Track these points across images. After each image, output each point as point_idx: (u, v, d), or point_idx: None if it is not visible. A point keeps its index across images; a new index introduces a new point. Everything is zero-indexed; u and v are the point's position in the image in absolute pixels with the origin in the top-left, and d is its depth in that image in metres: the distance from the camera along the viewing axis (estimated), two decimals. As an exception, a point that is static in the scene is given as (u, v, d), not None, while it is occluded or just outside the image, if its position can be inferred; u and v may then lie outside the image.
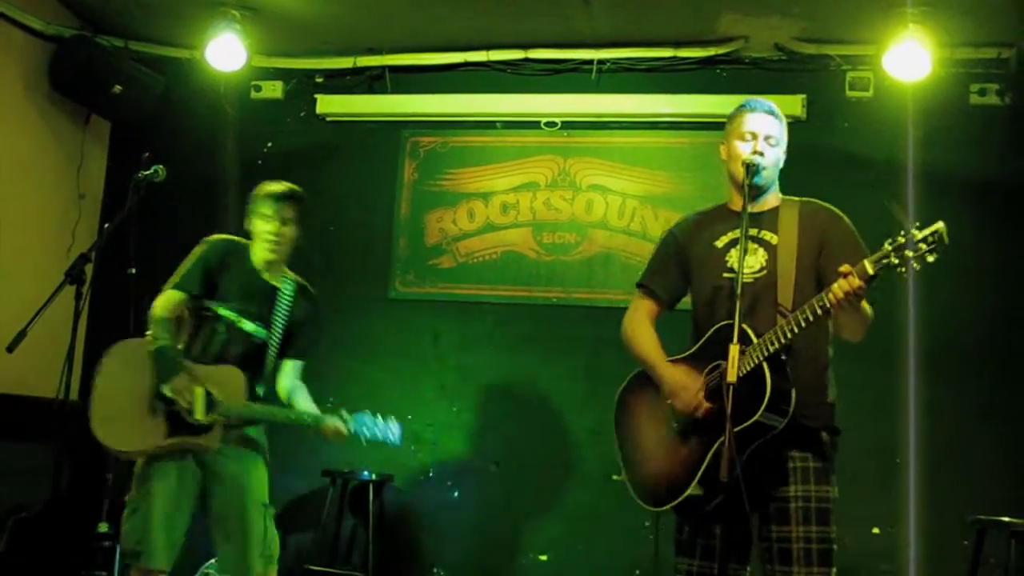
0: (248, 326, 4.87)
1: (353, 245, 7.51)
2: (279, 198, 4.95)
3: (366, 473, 6.68)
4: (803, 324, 3.62)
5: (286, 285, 5.01)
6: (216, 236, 5.01)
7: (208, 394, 4.68)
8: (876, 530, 6.39)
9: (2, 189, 7.01)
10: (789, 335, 3.63)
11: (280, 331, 4.93)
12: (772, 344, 3.65)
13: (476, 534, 6.98)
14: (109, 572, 6.47)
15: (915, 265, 3.43)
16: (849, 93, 6.87)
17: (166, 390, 4.63)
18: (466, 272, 7.32)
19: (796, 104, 6.73)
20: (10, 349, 4.33)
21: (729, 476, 3.42)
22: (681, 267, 4.17)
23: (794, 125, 4.21)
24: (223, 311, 4.84)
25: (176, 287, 4.82)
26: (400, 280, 7.39)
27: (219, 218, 6.81)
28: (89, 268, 4.46)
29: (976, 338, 6.45)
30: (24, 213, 7.25)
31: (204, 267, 4.87)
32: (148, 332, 4.73)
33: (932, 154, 6.60)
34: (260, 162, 7.64)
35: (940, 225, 3.41)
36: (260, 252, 4.97)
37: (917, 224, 3.44)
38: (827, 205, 4.06)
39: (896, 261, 3.45)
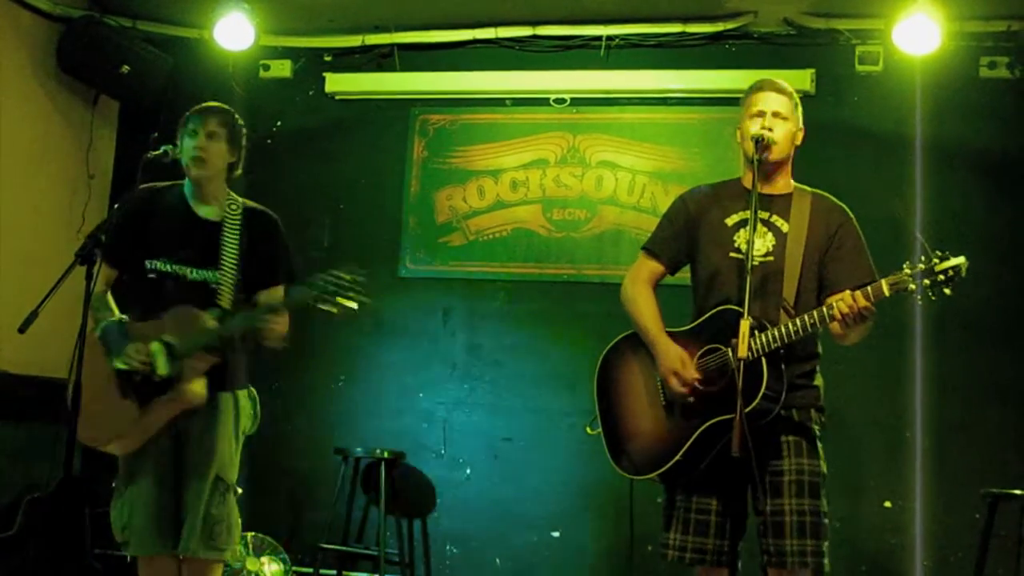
0: (196, 274, 4.39)
1: (363, 223, 7.52)
2: (202, 111, 4.64)
3: (378, 451, 6.69)
4: (808, 330, 3.74)
5: (230, 215, 4.48)
6: (133, 190, 4.47)
7: (166, 344, 4.21)
8: (887, 504, 6.39)
9: (12, 170, 7.02)
10: (793, 337, 3.74)
11: (232, 267, 4.39)
12: (774, 342, 3.73)
13: (488, 511, 7.00)
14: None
15: (931, 296, 3.54)
16: (859, 67, 6.84)
17: (118, 363, 4.25)
18: (476, 249, 7.32)
19: (805, 79, 6.71)
20: (21, 330, 4.31)
21: (741, 451, 3.50)
22: (689, 238, 4.18)
23: (803, 100, 4.18)
24: (162, 266, 4.40)
25: (104, 261, 4.34)
26: (410, 258, 7.39)
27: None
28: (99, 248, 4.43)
29: (986, 310, 6.44)
30: (34, 194, 7.27)
31: (120, 228, 4.36)
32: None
33: (942, 128, 6.60)
34: (269, 141, 7.64)
35: (962, 260, 3.51)
36: (189, 181, 4.51)
37: (939, 254, 3.53)
38: (840, 203, 4.11)
39: (913, 287, 3.56)
